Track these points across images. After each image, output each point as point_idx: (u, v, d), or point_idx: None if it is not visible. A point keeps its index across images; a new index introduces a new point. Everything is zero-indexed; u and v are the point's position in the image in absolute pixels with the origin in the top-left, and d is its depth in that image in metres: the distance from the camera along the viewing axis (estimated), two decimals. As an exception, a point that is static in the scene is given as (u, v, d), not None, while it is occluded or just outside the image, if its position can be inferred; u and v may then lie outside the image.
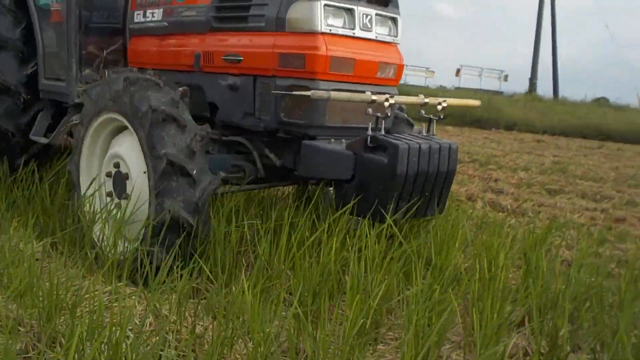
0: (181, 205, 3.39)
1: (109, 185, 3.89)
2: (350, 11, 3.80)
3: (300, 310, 2.83)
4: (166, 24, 4.41)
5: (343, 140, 3.82)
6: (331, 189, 4.09)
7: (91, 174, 4.05)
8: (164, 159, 3.38)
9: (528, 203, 7.11)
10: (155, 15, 4.49)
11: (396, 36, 4.13)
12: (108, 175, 3.87)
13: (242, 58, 3.91)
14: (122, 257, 3.56)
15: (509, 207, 6.76)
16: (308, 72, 3.67)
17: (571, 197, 7.89)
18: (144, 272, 3.31)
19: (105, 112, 3.83)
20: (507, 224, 5.24)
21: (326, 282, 3.26)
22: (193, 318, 2.97)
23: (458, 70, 36.87)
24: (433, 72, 37.25)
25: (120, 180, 3.78)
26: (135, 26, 4.68)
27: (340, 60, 3.73)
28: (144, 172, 3.54)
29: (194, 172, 3.43)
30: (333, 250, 3.32)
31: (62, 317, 2.84)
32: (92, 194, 3.91)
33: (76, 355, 2.44)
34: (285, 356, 2.75)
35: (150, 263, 3.29)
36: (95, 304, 2.72)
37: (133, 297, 3.17)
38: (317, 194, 4.26)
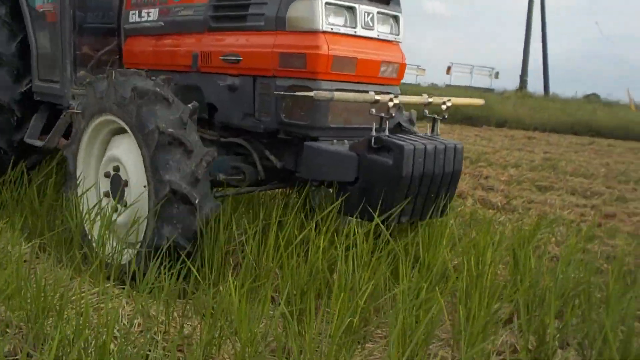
0: (180, 233, 3.37)
1: (105, 185, 3.85)
2: (351, 9, 3.76)
3: (288, 309, 2.84)
4: (162, 23, 4.35)
5: (346, 141, 3.77)
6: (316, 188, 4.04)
7: (88, 166, 4.01)
8: (167, 186, 3.33)
9: (518, 200, 7.12)
10: (151, 15, 4.43)
11: (398, 34, 4.09)
12: (106, 175, 3.82)
13: (241, 58, 3.86)
14: (111, 258, 3.56)
15: (499, 204, 6.78)
16: (309, 72, 3.62)
17: (561, 193, 7.91)
18: (132, 273, 3.31)
19: (109, 114, 3.75)
20: (496, 221, 5.25)
21: (314, 280, 3.26)
22: (181, 318, 2.97)
23: (449, 68, 37.03)
24: (424, 70, 37.33)
25: (118, 183, 3.73)
26: (130, 26, 4.62)
27: (342, 60, 3.68)
28: (144, 187, 3.50)
29: (197, 200, 3.38)
30: (321, 249, 3.32)
31: (50, 319, 2.84)
32: (85, 192, 3.88)
33: (64, 357, 2.45)
34: (274, 355, 2.76)
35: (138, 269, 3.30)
36: (83, 306, 2.71)
37: (121, 297, 3.17)
38: (305, 192, 4.26)
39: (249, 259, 3.37)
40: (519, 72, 35.63)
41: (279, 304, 2.89)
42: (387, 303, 3.38)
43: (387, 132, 3.60)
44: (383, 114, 3.58)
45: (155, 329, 2.85)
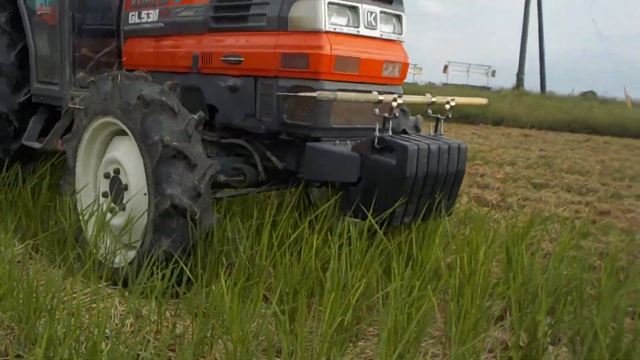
0: (177, 246, 3.36)
1: (105, 185, 3.83)
2: (354, 9, 3.73)
3: (279, 308, 2.84)
4: (162, 24, 4.31)
5: (348, 142, 3.74)
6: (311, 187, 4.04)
7: (88, 164, 3.99)
8: (168, 200, 3.30)
9: (513, 197, 7.14)
10: (151, 16, 4.40)
11: (401, 34, 4.07)
12: (106, 176, 3.80)
13: (242, 59, 3.83)
14: (104, 258, 3.57)
15: (494, 201, 6.79)
16: (312, 72, 3.59)
17: (556, 190, 7.93)
18: (124, 273, 3.31)
19: (113, 117, 3.71)
20: (490, 218, 5.26)
21: (307, 279, 3.27)
22: (174, 318, 2.98)
23: (446, 67, 37.10)
24: (421, 68, 37.35)
25: (117, 185, 3.72)
26: (130, 27, 4.58)
27: (345, 60, 3.66)
28: (145, 194, 3.48)
29: (197, 215, 3.36)
30: (314, 248, 3.32)
31: (42, 319, 2.84)
32: (81, 189, 3.88)
33: (54, 357, 2.45)
34: (265, 354, 2.76)
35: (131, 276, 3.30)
36: (74, 306, 2.72)
37: (113, 297, 3.17)
38: (299, 191, 4.26)
39: (242, 258, 3.37)
40: (516, 70, 35.67)
41: (272, 303, 2.90)
42: (379, 301, 3.38)
43: (390, 132, 3.57)
44: (386, 114, 3.55)
45: (147, 328, 2.85)
